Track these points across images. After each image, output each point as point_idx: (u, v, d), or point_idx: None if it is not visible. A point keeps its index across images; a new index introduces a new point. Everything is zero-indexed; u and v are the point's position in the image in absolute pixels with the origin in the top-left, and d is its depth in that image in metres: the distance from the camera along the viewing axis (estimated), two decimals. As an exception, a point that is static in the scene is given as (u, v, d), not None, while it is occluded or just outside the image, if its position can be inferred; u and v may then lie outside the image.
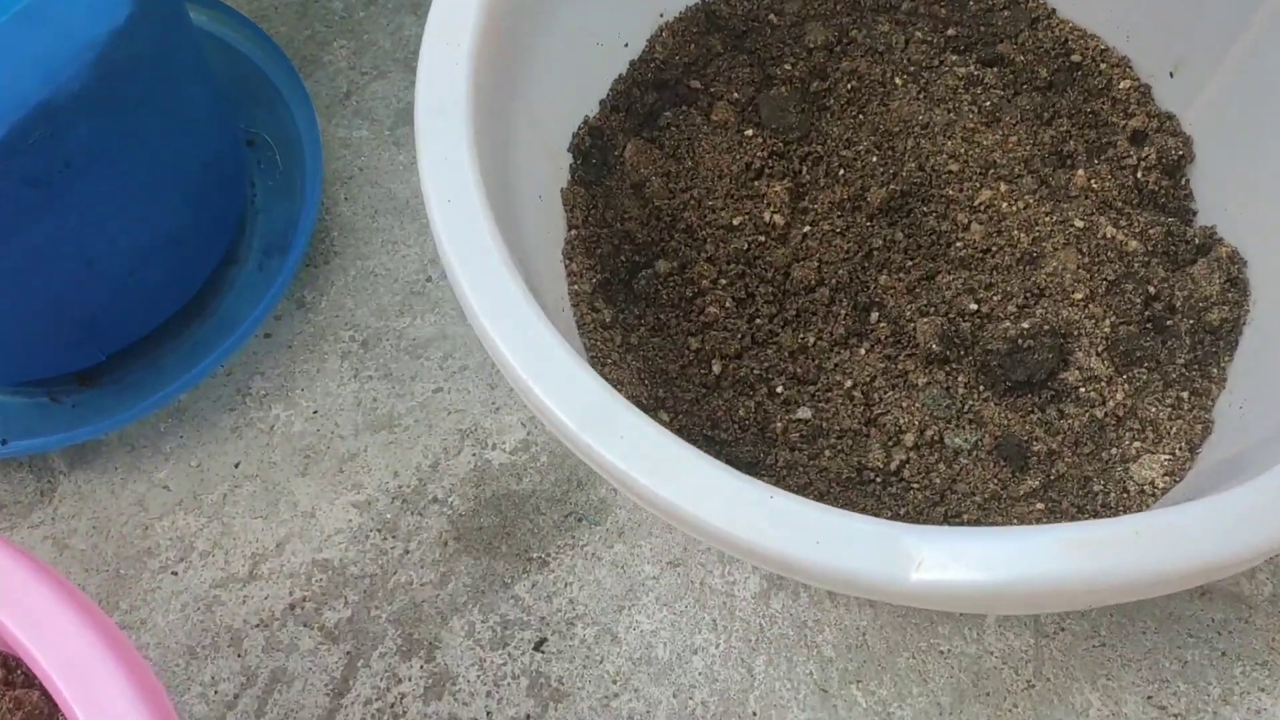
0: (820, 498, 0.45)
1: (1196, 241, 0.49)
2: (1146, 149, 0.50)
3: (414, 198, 0.58)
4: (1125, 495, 0.45)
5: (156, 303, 0.52)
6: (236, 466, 0.52)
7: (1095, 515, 0.45)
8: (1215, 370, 0.47)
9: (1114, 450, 0.46)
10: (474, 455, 0.52)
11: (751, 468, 0.46)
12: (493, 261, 0.35)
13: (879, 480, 0.45)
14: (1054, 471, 0.45)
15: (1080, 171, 0.50)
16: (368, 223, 0.58)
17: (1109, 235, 0.48)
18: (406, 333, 0.55)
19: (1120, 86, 0.51)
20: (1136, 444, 0.46)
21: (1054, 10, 0.52)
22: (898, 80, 0.52)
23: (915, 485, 0.45)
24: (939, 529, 0.31)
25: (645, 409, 0.45)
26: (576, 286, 0.48)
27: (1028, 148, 0.50)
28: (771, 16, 0.53)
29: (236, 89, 0.59)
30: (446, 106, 0.37)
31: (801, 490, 0.45)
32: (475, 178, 0.36)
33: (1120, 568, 0.30)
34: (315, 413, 0.54)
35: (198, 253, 0.53)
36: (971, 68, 0.52)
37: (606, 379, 0.45)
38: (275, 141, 0.59)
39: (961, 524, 0.45)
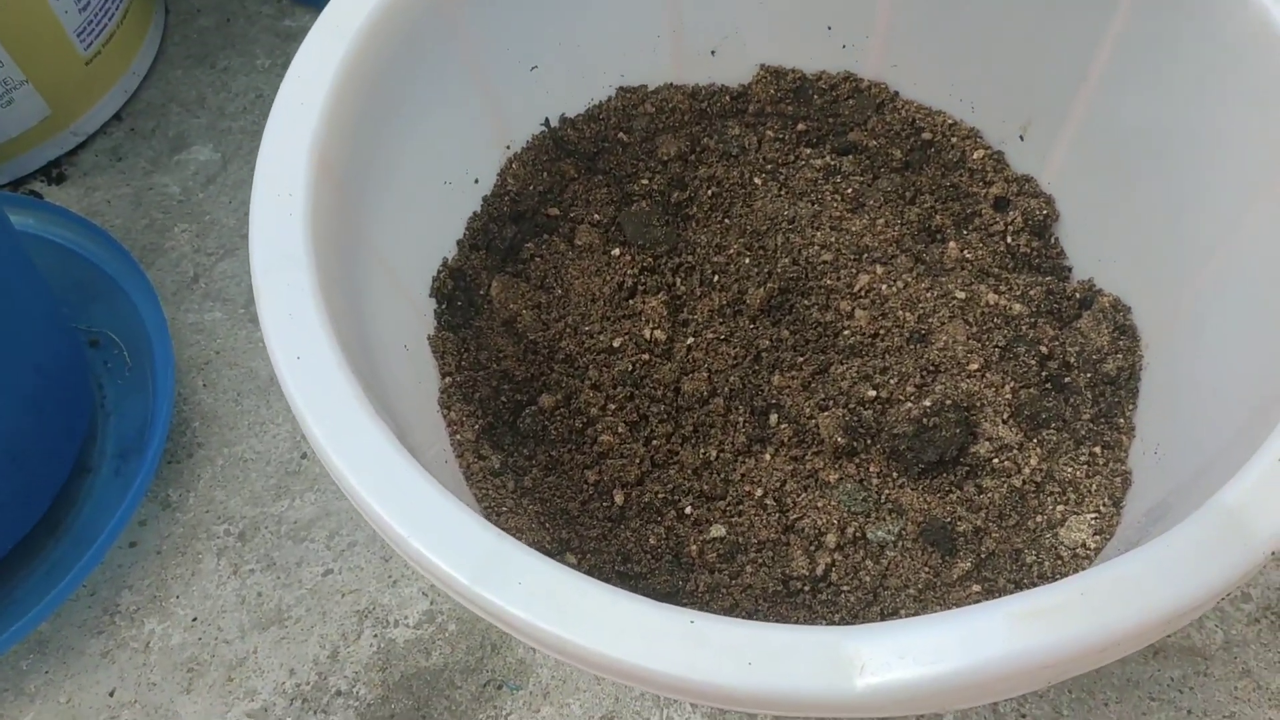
0: (749, 618, 0.42)
1: (1078, 296, 0.48)
2: (1011, 213, 0.50)
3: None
4: (1060, 562, 0.43)
5: (2, 526, 0.47)
6: (112, 695, 0.47)
7: (1034, 587, 0.42)
8: (1122, 420, 0.46)
9: (1039, 517, 0.44)
10: (375, 636, 0.48)
11: (670, 597, 0.43)
12: (354, 414, 0.32)
13: (807, 589, 0.43)
14: (984, 549, 0.43)
15: (952, 244, 0.49)
16: (231, 407, 0.54)
17: (992, 302, 0.48)
18: (286, 516, 0.51)
19: (974, 157, 0.51)
20: (1060, 507, 0.44)
21: (896, 93, 0.52)
22: (757, 180, 0.51)
23: (845, 588, 0.43)
24: (876, 626, 0.29)
25: (550, 554, 0.42)
26: (459, 436, 0.45)
27: (896, 228, 0.50)
28: (621, 135, 0.52)
29: (73, 290, 0.56)
30: (285, 260, 0.35)
31: (728, 613, 0.42)
32: (325, 330, 0.34)
33: (1074, 634, 0.27)
34: (194, 620, 0.49)
35: (43, 466, 0.49)
36: (827, 158, 0.51)
37: (504, 529, 0.42)
38: (121, 338, 0.55)
39: (899, 619, 0.42)
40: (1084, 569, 0.43)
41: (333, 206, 0.38)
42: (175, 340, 0.56)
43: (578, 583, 0.30)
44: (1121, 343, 0.47)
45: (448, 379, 0.46)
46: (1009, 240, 0.50)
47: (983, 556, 0.43)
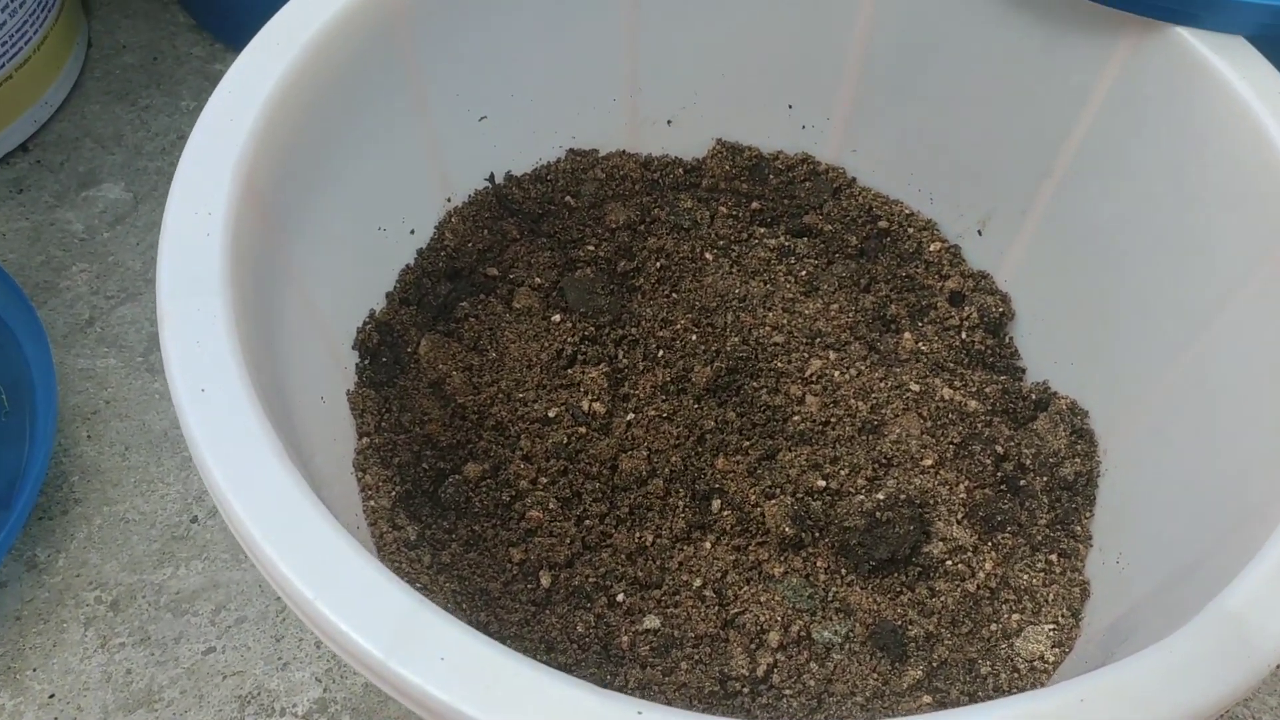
0: (682, 721, 0.38)
1: (1033, 397, 0.47)
2: (967, 309, 0.48)
3: (173, 429, 0.50)
4: (1016, 675, 0.40)
5: None
6: (-58, 779, 0.41)
7: (989, 700, 0.39)
8: (1079, 528, 0.44)
9: (994, 626, 0.41)
10: (257, 725, 0.43)
11: (597, 695, 0.38)
12: (261, 456, 0.28)
13: (746, 690, 0.39)
14: (935, 657, 0.40)
15: (907, 334, 0.47)
16: (116, 462, 0.49)
17: (947, 397, 0.45)
18: (167, 586, 0.46)
19: (931, 249, 0.50)
20: (1016, 616, 0.41)
21: (854, 179, 0.51)
22: (708, 255, 0.49)
23: (788, 691, 0.39)
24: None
25: (465, 639, 0.38)
26: (373, 502, 0.40)
27: (850, 314, 0.47)
28: (568, 199, 0.49)
29: (-48, 324, 0.51)
30: (197, 283, 0.31)
31: (659, 715, 0.38)
32: (236, 361, 0.30)
33: (1076, 747, 0.24)
34: (51, 697, 0.43)
35: (-107, 511, 0.43)
36: (782, 239, 0.49)
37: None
38: (1, 380, 0.50)
39: (846, 732, 0.38)
40: (1043, 684, 0.40)
41: (256, 232, 0.34)
42: (61, 386, 0.51)
43: (509, 661, 0.26)
44: (1079, 447, 0.45)
45: (365, 439, 0.42)
46: (964, 336, 0.48)
47: (935, 665, 0.40)
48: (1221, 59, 0.38)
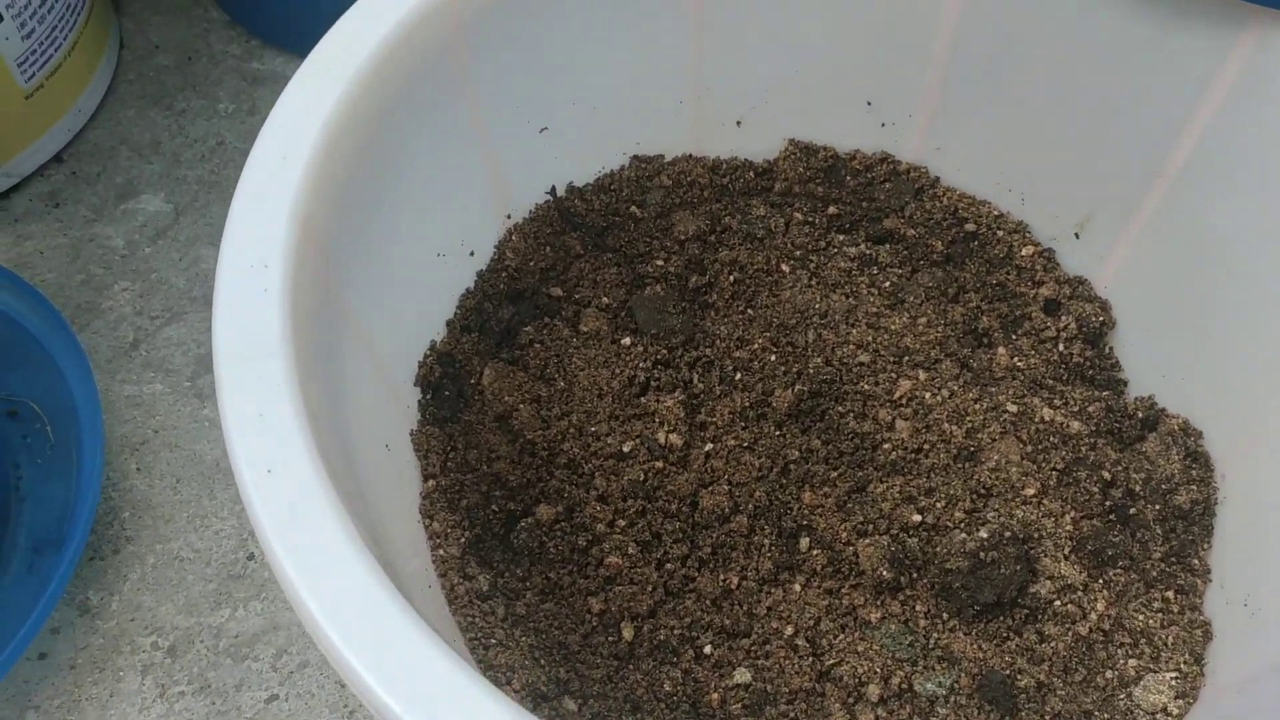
0: (779, 783, 0.36)
1: (1140, 415, 0.43)
2: (1064, 318, 0.45)
3: (225, 458, 0.48)
4: (1136, 727, 0.37)
5: (-118, 635, 0.40)
6: (2, 844, 0.39)
7: (1107, 757, 0.37)
8: (1196, 562, 0.41)
9: (1110, 673, 0.38)
10: (325, 781, 0.41)
11: (687, 755, 0.36)
12: (339, 551, 0.25)
13: (846, 750, 0.36)
14: (1048, 710, 0.37)
15: (1001, 349, 0.44)
16: (168, 496, 0.47)
17: (1047, 418, 0.42)
18: (226, 629, 0.44)
19: (1023, 253, 0.46)
20: (1133, 662, 0.38)
21: (938, 179, 0.48)
22: (784, 267, 0.46)
23: (890, 750, 0.36)
24: None
25: (546, 697, 0.36)
26: (442, 551, 0.38)
27: (940, 329, 0.44)
28: (634, 209, 0.46)
29: (-8, 351, 0.49)
30: (257, 347, 0.28)
31: (754, 777, 0.36)
32: (303, 437, 0.27)
33: None
34: (110, 751, 0.41)
35: (-61, 562, 0.41)
36: (862, 246, 0.46)
37: (493, 664, 0.36)
38: (44, 410, 0.48)
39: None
40: (1165, 737, 0.37)
41: (314, 280, 0.31)
42: (108, 415, 0.49)
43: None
44: (1194, 472, 0.42)
45: (431, 482, 0.39)
46: (1061, 348, 0.45)
47: (1048, 718, 0.37)
48: (1364, 55, 0.34)
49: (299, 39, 0.36)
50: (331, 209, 0.33)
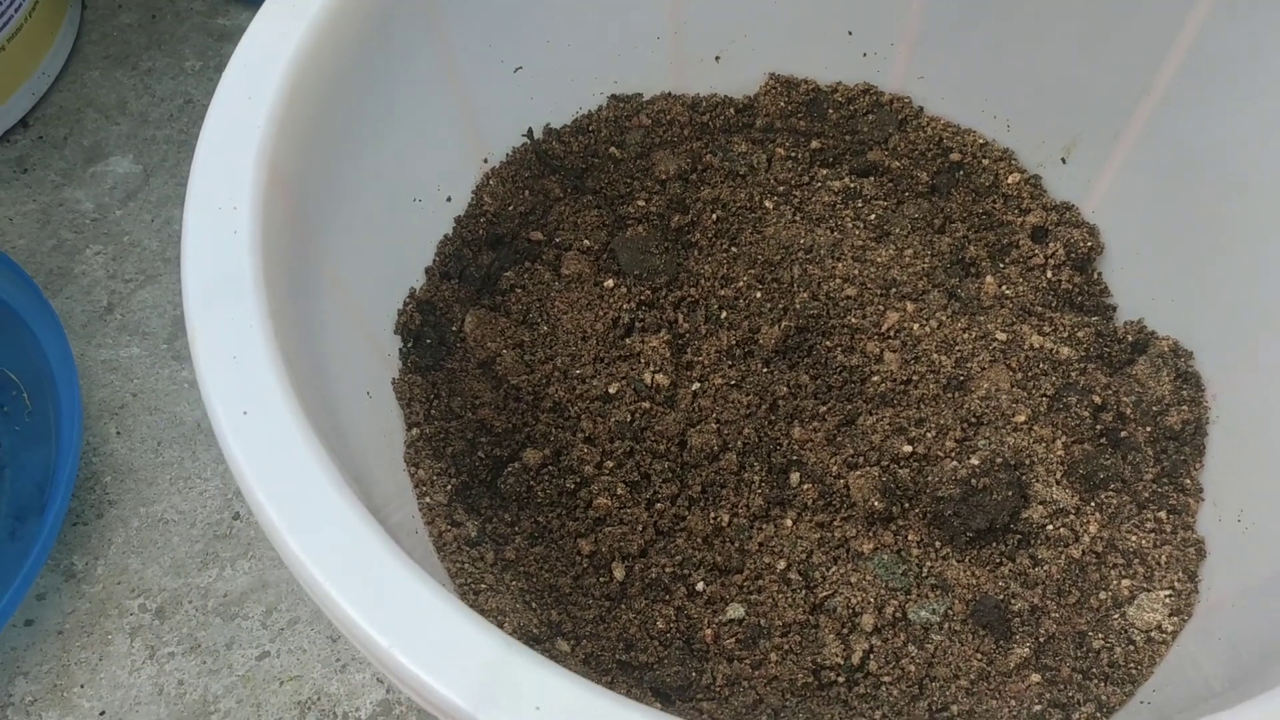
0: (775, 715, 0.35)
1: (1130, 339, 0.43)
2: (1051, 245, 0.45)
3: (206, 420, 0.47)
4: (1132, 648, 0.37)
5: None
6: (-3, 809, 0.39)
7: (1104, 677, 0.37)
8: (1188, 481, 0.40)
9: (1103, 594, 0.38)
10: (321, 735, 0.40)
11: (683, 691, 0.36)
12: (318, 488, 0.25)
13: (842, 681, 0.36)
14: (1043, 632, 0.37)
15: (989, 278, 0.44)
16: (150, 459, 0.46)
17: (1037, 345, 0.42)
18: (214, 589, 0.43)
19: (1009, 181, 0.46)
20: (1127, 582, 0.38)
21: (921, 109, 0.47)
22: (768, 203, 0.45)
23: (887, 678, 0.36)
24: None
25: (538, 640, 0.35)
26: (428, 499, 0.38)
27: (926, 260, 0.44)
28: (613, 150, 0.45)
29: (-37, 319, 0.48)
30: (228, 288, 0.28)
31: (753, 709, 0.36)
32: (278, 377, 0.26)
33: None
34: (102, 715, 0.41)
35: (-81, 530, 0.40)
36: (846, 180, 0.46)
37: (482, 610, 0.35)
38: (20, 378, 0.47)
39: (951, 716, 0.36)
40: (1162, 656, 0.37)
41: (285, 224, 0.31)
42: (85, 380, 0.48)
43: (612, 706, 0.23)
44: (1184, 392, 0.41)
45: (415, 430, 0.39)
46: (1050, 275, 0.44)
47: (1042, 640, 0.37)
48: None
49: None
50: (299, 151, 0.32)
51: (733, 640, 0.37)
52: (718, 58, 0.46)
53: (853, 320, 0.42)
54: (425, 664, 0.23)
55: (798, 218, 0.45)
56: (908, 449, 0.40)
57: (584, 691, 0.23)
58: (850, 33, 0.45)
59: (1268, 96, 0.37)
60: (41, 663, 0.42)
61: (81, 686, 0.42)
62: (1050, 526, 0.39)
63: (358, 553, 0.24)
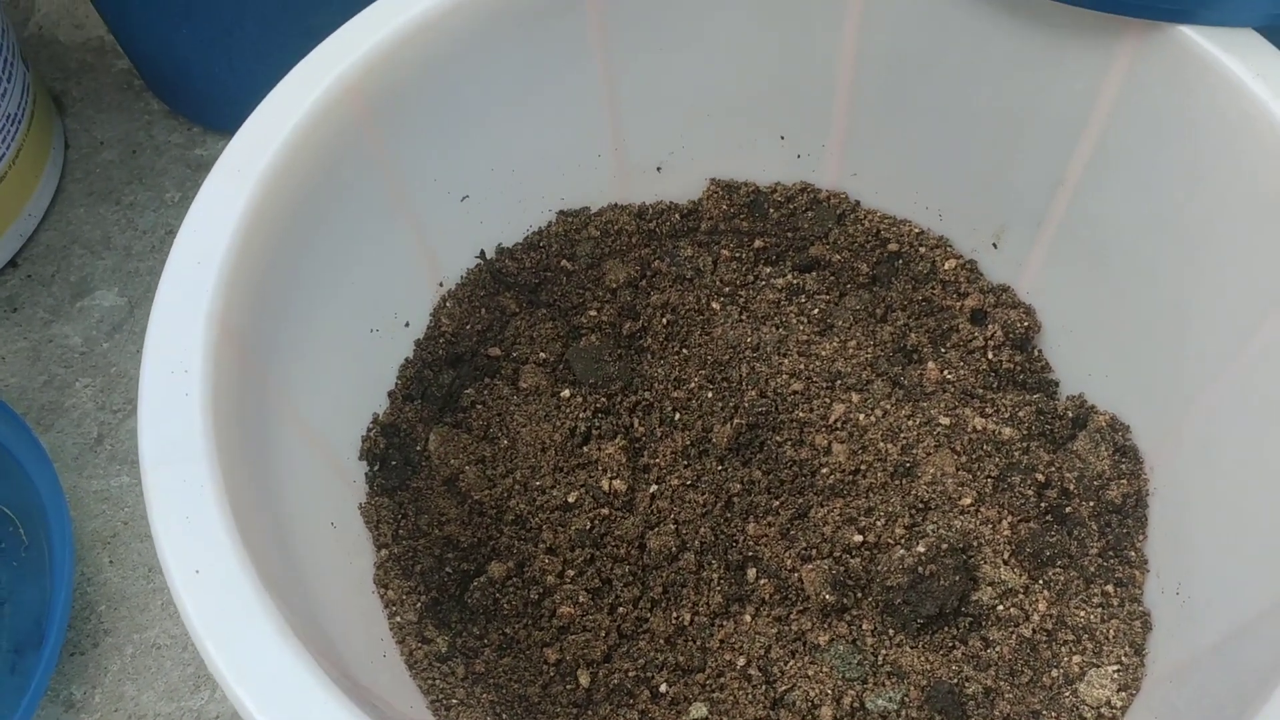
0: (742, 812, 0.37)
1: (1069, 415, 0.44)
2: (990, 327, 0.46)
3: (195, 542, 0.49)
4: (1084, 723, 0.38)
5: None
6: None
7: (1058, 755, 0.38)
8: (1133, 553, 0.42)
9: (1055, 672, 0.39)
10: None
11: (651, 793, 0.37)
12: (264, 640, 0.27)
13: (804, 773, 0.37)
14: (997, 714, 0.38)
15: (930, 364, 0.45)
16: (142, 585, 0.48)
17: (979, 427, 0.43)
18: (206, 711, 0.45)
19: (946, 267, 0.48)
20: (1077, 659, 0.39)
21: (858, 203, 0.49)
22: (715, 304, 0.47)
23: (847, 769, 0.38)
24: None
25: (509, 751, 0.37)
26: (398, 618, 0.39)
27: (869, 350, 0.46)
28: (564, 263, 0.48)
29: (-42, 459, 0.50)
30: (179, 452, 0.30)
31: (718, 808, 0.37)
32: (229, 535, 0.28)
33: None
34: (103, 841, 0.43)
35: (-80, 673, 0.42)
36: (789, 277, 0.47)
37: (454, 725, 0.37)
38: (15, 513, 0.49)
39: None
40: (1111, 731, 0.38)
41: (238, 378, 0.33)
42: (78, 511, 0.50)
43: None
44: (1124, 466, 0.43)
45: (384, 551, 0.41)
46: (990, 356, 0.46)
47: (997, 722, 0.38)
48: (1230, 56, 0.35)
49: (239, 122, 0.38)
50: (250, 307, 0.34)
51: (696, 739, 0.38)
52: (659, 168, 0.48)
53: (800, 414, 0.44)
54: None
55: (744, 317, 0.47)
56: (858, 538, 0.41)
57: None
58: (783, 137, 0.48)
59: (1159, 186, 0.38)
60: (43, 794, 0.44)
61: (82, 814, 0.43)
62: (1000, 607, 0.40)
63: (300, 700, 0.26)
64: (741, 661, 0.40)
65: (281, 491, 0.34)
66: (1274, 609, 0.32)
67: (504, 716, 0.38)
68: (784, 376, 0.45)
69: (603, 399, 0.45)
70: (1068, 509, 0.42)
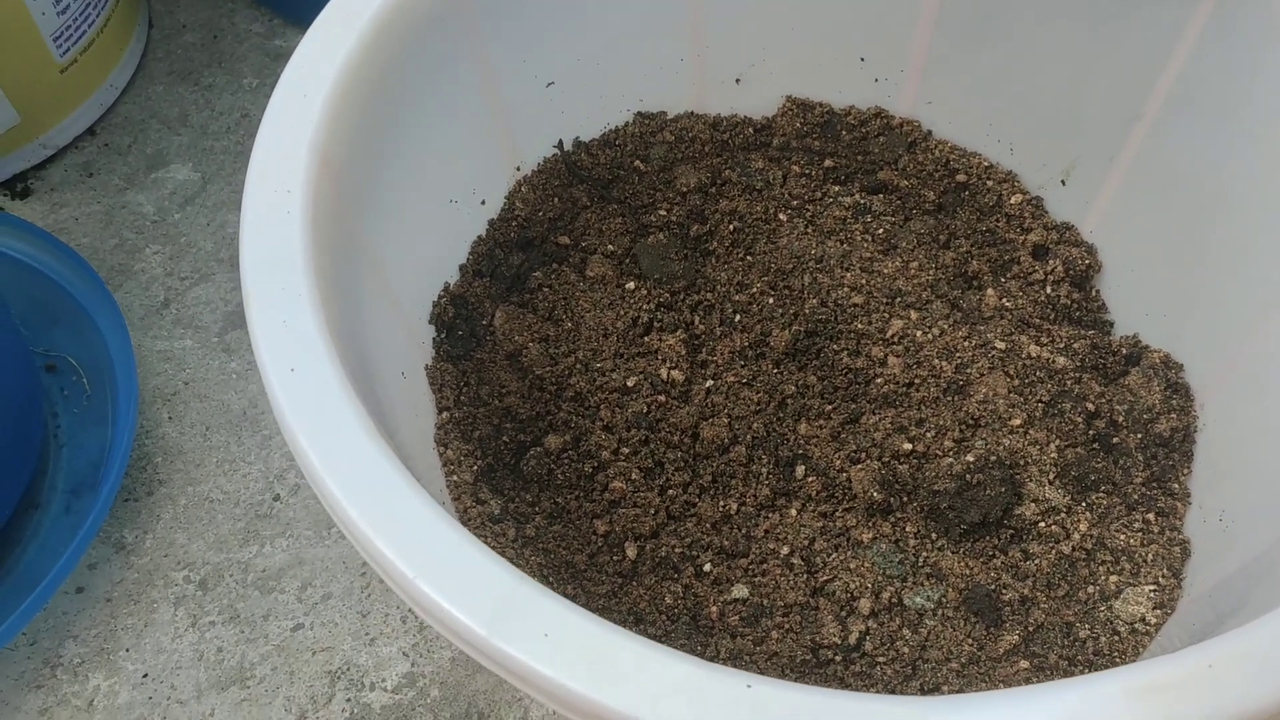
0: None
1: (1124, 351, 0.45)
2: (1051, 262, 0.47)
3: (251, 408, 0.50)
4: (1116, 638, 0.39)
5: (-67, 563, 0.42)
6: (45, 758, 0.42)
7: (1089, 665, 0.39)
8: (1176, 486, 0.42)
9: (1091, 588, 0.40)
10: (349, 701, 0.43)
11: (688, 665, 0.38)
12: (354, 435, 0.28)
13: (839, 659, 0.38)
14: (1032, 621, 0.39)
15: (990, 291, 0.46)
16: (198, 442, 0.49)
17: (1034, 354, 0.44)
18: (254, 564, 0.46)
19: (1012, 201, 0.48)
20: (1114, 578, 0.40)
21: (930, 132, 0.50)
22: (782, 216, 0.48)
23: (881, 659, 0.38)
24: (965, 699, 0.24)
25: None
26: (455, 477, 0.40)
27: (931, 272, 0.46)
28: (638, 163, 0.48)
29: (32, 310, 0.51)
30: (281, 262, 0.31)
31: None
32: (324, 341, 0.29)
33: (1203, 713, 0.23)
34: (145, 677, 0.44)
35: (-15, 498, 0.44)
36: (857, 196, 0.48)
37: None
38: (81, 364, 0.50)
39: (942, 695, 0.38)
40: (1144, 646, 0.39)
41: (333, 209, 0.34)
42: (141, 369, 0.51)
43: (614, 637, 0.25)
44: (1174, 402, 0.43)
45: (445, 414, 0.41)
46: (1049, 290, 0.47)
47: (1031, 629, 0.39)
48: (1325, -9, 0.36)
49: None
50: (348, 146, 0.35)
51: (736, 618, 0.39)
52: (738, 80, 0.49)
53: (859, 326, 0.45)
54: (445, 592, 0.26)
55: (810, 230, 0.47)
56: (907, 446, 0.42)
57: (590, 623, 0.26)
58: (862, 59, 0.48)
59: (1240, 124, 0.39)
60: (90, 627, 0.45)
61: (127, 650, 0.44)
62: (1042, 523, 0.41)
63: (388, 494, 0.27)
64: (785, 550, 0.40)
65: (362, 327, 0.35)
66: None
67: (550, 580, 0.39)
68: (845, 289, 0.45)
69: (666, 294, 0.46)
70: (1115, 439, 0.43)
